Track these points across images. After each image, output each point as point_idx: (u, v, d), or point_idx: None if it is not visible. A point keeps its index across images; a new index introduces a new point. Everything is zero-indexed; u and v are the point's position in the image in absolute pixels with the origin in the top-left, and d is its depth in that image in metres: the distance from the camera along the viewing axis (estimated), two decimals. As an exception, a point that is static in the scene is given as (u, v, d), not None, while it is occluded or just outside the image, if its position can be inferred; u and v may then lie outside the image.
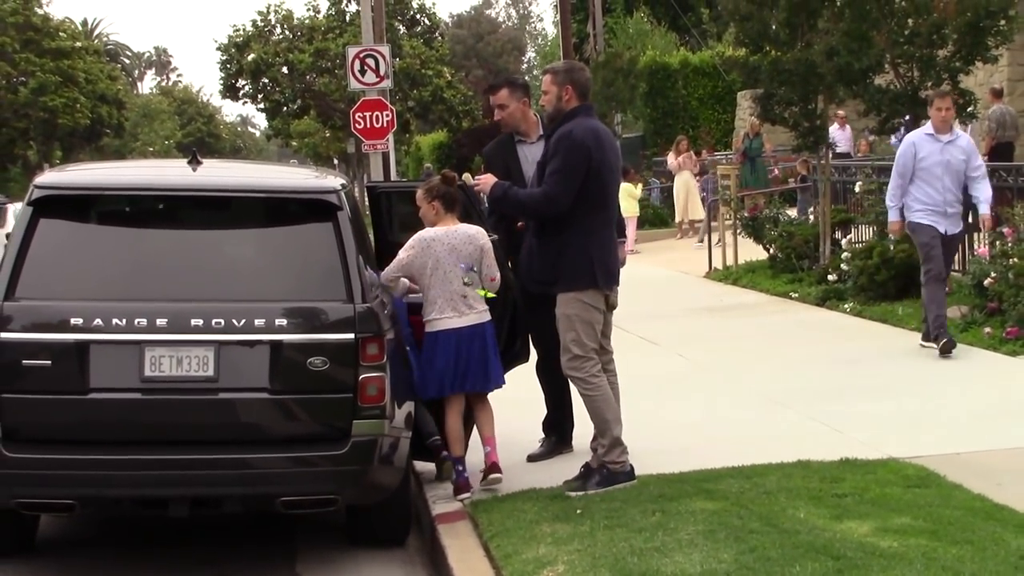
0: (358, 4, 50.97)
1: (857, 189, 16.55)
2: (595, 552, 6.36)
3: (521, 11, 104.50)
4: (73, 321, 6.63)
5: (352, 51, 24.65)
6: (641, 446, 8.01)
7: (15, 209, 29.66)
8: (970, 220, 15.22)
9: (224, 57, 51.35)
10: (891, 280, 14.41)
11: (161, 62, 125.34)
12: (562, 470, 8.13)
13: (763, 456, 8.03)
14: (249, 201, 7.23)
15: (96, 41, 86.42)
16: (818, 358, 12.01)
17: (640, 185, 27.54)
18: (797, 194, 23.46)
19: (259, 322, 6.71)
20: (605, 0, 50.46)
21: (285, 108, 53.28)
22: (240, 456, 6.69)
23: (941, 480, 7.32)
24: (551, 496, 7.55)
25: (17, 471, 6.56)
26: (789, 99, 16.16)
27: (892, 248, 14.64)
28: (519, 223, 8.22)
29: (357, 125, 24.24)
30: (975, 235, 14.86)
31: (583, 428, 8.56)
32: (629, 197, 23.55)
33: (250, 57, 50.46)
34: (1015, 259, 12.12)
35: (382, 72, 24.07)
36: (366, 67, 24.01)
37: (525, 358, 8.61)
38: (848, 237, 16.94)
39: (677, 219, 27.01)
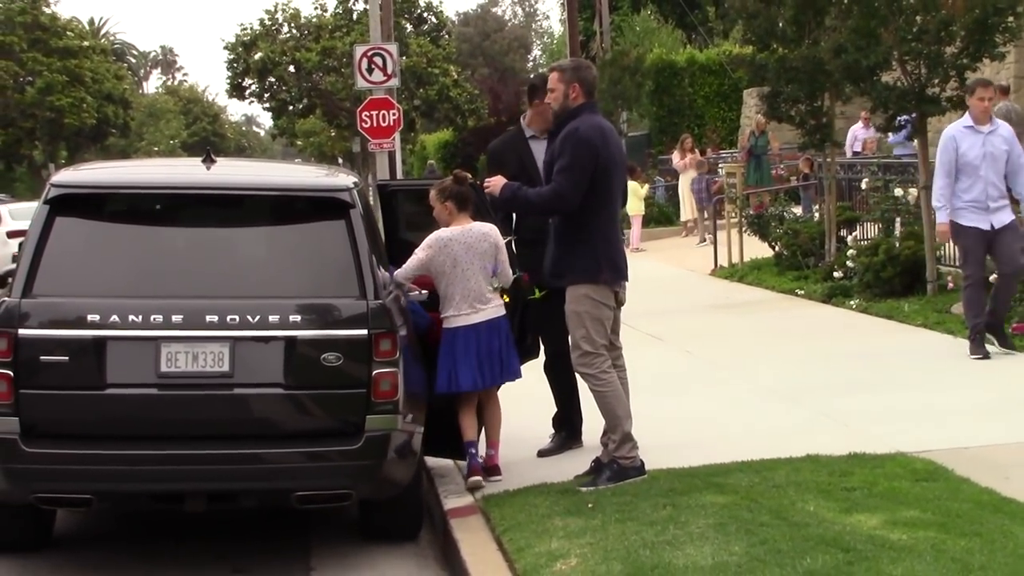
0: (365, 3, 51.13)
1: (864, 186, 16.61)
2: (607, 545, 6.43)
3: (527, 9, 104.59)
4: (90, 317, 6.71)
5: (360, 49, 24.72)
6: (649, 441, 8.07)
7: (9, 210, 29.93)
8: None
9: (231, 56, 51.48)
10: (897, 277, 14.48)
11: (167, 61, 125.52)
12: (572, 465, 8.21)
13: (772, 450, 8.10)
14: (263, 199, 7.31)
15: (103, 40, 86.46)
16: (825, 354, 12.07)
17: (646, 184, 27.61)
18: (800, 192, 23.52)
19: (273, 318, 6.79)
20: (611, -3, 50.55)
21: (291, 107, 53.39)
22: (255, 451, 6.77)
23: (949, 474, 7.38)
24: (562, 491, 7.62)
25: (35, 466, 6.64)
26: (796, 96, 16.24)
27: (898, 245, 14.72)
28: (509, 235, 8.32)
29: (364, 124, 24.29)
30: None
31: (592, 424, 8.65)
32: (635, 196, 23.65)
33: (257, 56, 50.58)
34: (1022, 256, 12.13)
35: (389, 71, 24.15)
36: (373, 65, 24.08)
37: (535, 354, 8.70)
38: (854, 234, 17.01)
39: (682, 218, 27.06)
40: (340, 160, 61.94)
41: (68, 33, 63.35)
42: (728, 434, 8.99)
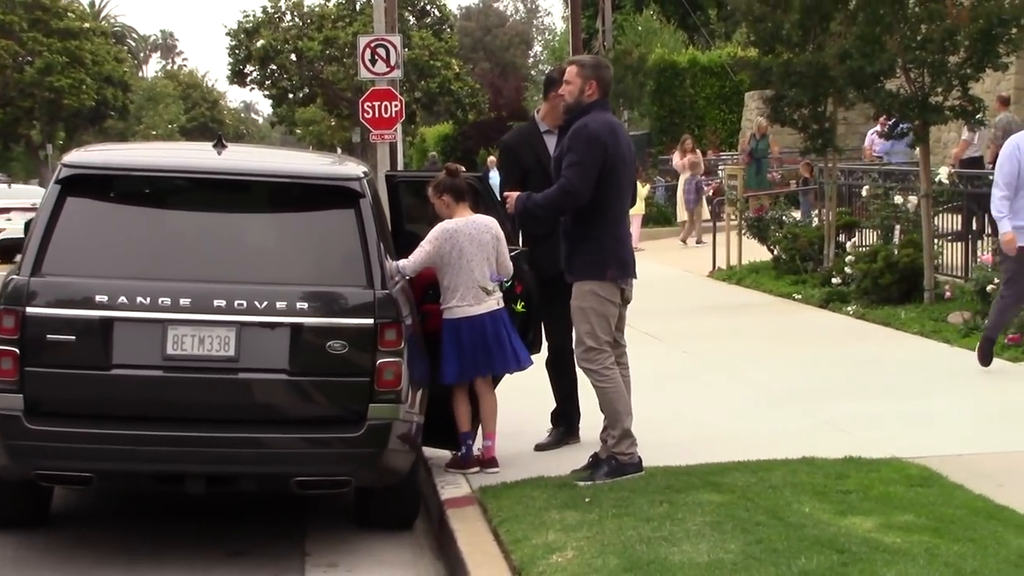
0: (369, -7, 51.28)
1: (864, 193, 16.67)
2: (603, 539, 6.48)
3: (529, 5, 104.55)
4: (98, 298, 6.76)
5: (363, 40, 24.76)
6: (647, 438, 8.12)
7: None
8: (973, 226, 15.41)
9: (233, 42, 51.48)
10: (895, 284, 14.55)
11: (167, 45, 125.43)
12: (569, 460, 8.27)
13: (768, 452, 8.16)
14: (273, 186, 7.36)
15: (103, 23, 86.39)
16: (822, 358, 12.14)
17: (646, 184, 27.67)
18: (800, 196, 23.60)
19: (280, 305, 6.85)
20: (614, -4, 50.60)
21: (291, 96, 53.40)
22: (257, 435, 6.83)
23: (943, 480, 7.45)
24: (559, 484, 7.67)
25: (38, 443, 6.68)
26: (799, 101, 16.29)
27: (896, 252, 14.79)
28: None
29: (366, 114, 24.32)
30: (979, 241, 15.03)
31: (590, 420, 8.72)
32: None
33: (259, 43, 50.61)
34: (1019, 266, 12.19)
35: (393, 62, 24.19)
36: (377, 56, 24.12)
37: (537, 348, 8.75)
38: (852, 240, 17.07)
39: (680, 219, 27.11)
40: (339, 149, 61.99)
41: (69, 14, 63.32)
42: (724, 434, 9.05)
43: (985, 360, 10.89)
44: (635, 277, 8.02)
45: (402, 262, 7.85)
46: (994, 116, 19.19)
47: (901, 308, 14.07)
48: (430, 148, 55.74)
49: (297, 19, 51.98)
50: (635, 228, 25.67)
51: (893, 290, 14.53)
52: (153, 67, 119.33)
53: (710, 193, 26.18)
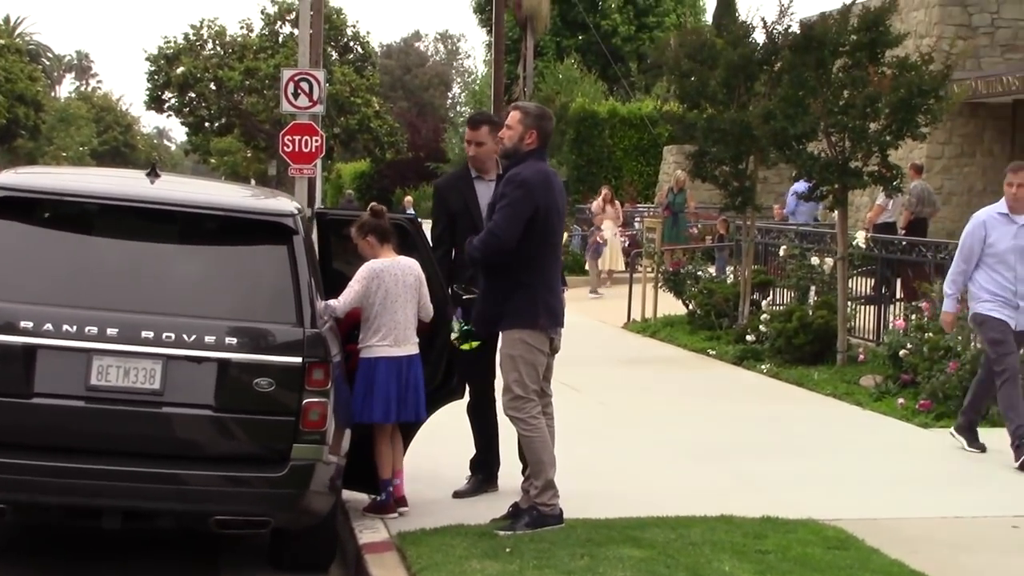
0: (292, 26, 51.15)
1: (781, 253, 16.88)
2: (525, 591, 6.46)
3: (450, 47, 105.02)
4: (22, 324, 6.63)
5: (287, 73, 24.70)
6: (566, 489, 8.07)
7: None
8: (884, 291, 15.67)
9: (152, 68, 51.05)
10: (808, 344, 14.72)
11: (82, 67, 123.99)
12: (488, 508, 8.23)
13: (686, 508, 8.20)
14: (207, 218, 7.27)
15: (18, 40, 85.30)
16: (737, 416, 12.23)
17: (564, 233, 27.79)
18: (715, 252, 23.84)
19: (208, 339, 6.77)
20: (537, 44, 51.01)
21: (208, 124, 53.04)
22: (178, 471, 6.72)
23: (860, 543, 7.53)
24: (479, 533, 7.64)
25: None
26: (721, 158, 16.48)
27: (811, 313, 14.97)
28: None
29: (286, 148, 24.19)
30: (891, 307, 15.28)
31: (507, 467, 8.71)
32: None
33: (179, 70, 50.25)
34: (930, 333, 12.44)
35: (315, 97, 24.15)
36: (300, 90, 24.07)
37: (460, 395, 8.73)
38: (768, 299, 17.26)
39: (599, 267, 27.24)
40: (253, 181, 61.63)
41: (-17, 30, 62.47)
42: (642, 488, 9.08)
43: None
44: (563, 327, 8.04)
45: (332, 302, 7.81)
46: (908, 183, 19.54)
47: (814, 369, 14.24)
48: (346, 185, 55.60)
49: (219, 48, 51.72)
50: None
51: (806, 350, 14.71)
52: (67, 88, 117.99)
53: (626, 244, 26.38)
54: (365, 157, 55.21)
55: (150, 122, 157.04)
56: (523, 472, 8.45)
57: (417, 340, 8.21)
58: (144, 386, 6.70)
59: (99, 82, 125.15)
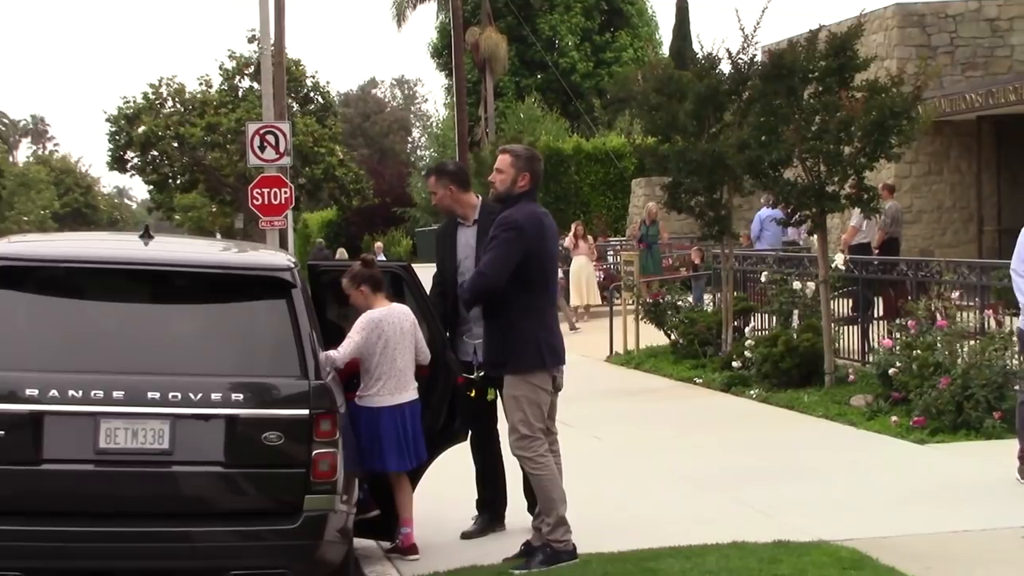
0: (251, 80, 51.20)
1: (763, 279, 16.96)
2: (549, 629, 6.46)
3: (407, 92, 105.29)
4: (28, 392, 6.62)
5: (252, 127, 24.70)
6: (574, 524, 8.10)
7: None
8: (868, 311, 15.76)
9: (113, 128, 50.94)
10: (795, 368, 14.79)
11: (38, 130, 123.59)
12: (498, 548, 8.24)
13: (696, 536, 8.21)
14: (204, 276, 7.28)
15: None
16: (733, 442, 12.26)
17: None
18: (692, 282, 23.92)
19: (215, 396, 6.77)
20: (496, 84, 51.32)
21: (172, 181, 52.95)
22: (192, 529, 6.71)
23: (875, 563, 7.55)
24: (495, 573, 7.65)
25: None
26: (695, 188, 16.58)
27: (796, 336, 15.04)
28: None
29: (255, 201, 24.15)
30: (872, 326, 15.38)
31: (514, 506, 8.72)
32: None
33: (140, 129, 50.13)
34: (919, 351, 12.51)
35: (282, 149, 24.14)
36: (266, 143, 24.08)
37: (464, 437, 8.75)
38: (751, 325, 17.33)
39: (573, 303, 27.29)
40: (218, 235, 61.55)
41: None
42: (650, 519, 9.09)
43: None
44: (564, 364, 8.07)
45: (332, 353, 7.83)
46: (884, 204, 19.71)
47: (803, 392, 14.29)
48: (313, 234, 55.58)
49: (179, 105, 51.65)
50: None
51: (794, 374, 14.77)
52: (24, 152, 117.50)
53: (601, 278, 26.43)
54: (331, 206, 55.20)
55: (110, 182, 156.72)
56: (528, 509, 8.49)
57: (416, 385, 8.26)
58: (153, 446, 6.69)
59: (56, 145, 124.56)
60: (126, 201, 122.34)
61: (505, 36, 50.50)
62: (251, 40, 50.31)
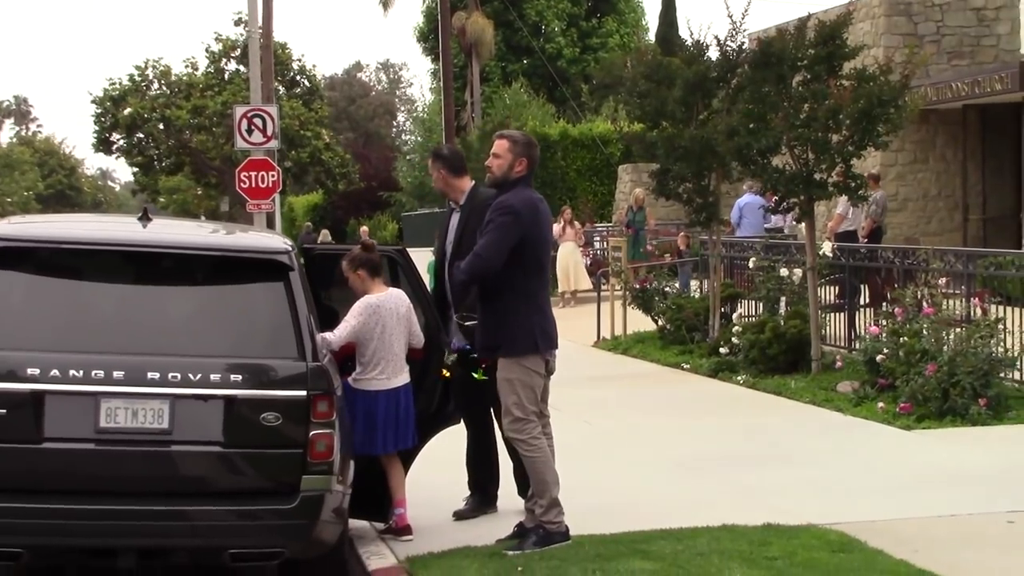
0: (238, 63, 51.14)
1: (751, 265, 17.06)
2: (543, 609, 6.55)
3: (392, 76, 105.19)
4: (29, 371, 6.69)
5: (240, 110, 24.66)
6: (567, 506, 8.19)
7: None
8: (855, 298, 15.88)
9: (99, 110, 50.84)
10: (782, 354, 14.90)
11: (21, 111, 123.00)
12: (491, 529, 8.33)
13: (687, 519, 8.31)
14: (202, 259, 7.36)
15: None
16: (721, 427, 12.38)
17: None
18: (678, 268, 24.01)
19: (214, 377, 6.85)
20: (483, 69, 51.29)
21: (158, 164, 52.88)
22: (191, 508, 6.79)
23: (863, 546, 7.66)
24: (488, 554, 7.72)
25: None
26: (684, 175, 16.65)
27: (784, 323, 15.15)
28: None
29: (242, 184, 24.13)
30: (858, 313, 15.50)
31: (505, 488, 8.80)
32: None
33: (126, 111, 50.04)
34: (905, 338, 12.63)
35: (270, 132, 24.14)
36: (253, 127, 24.05)
37: (456, 420, 8.83)
38: (738, 312, 17.44)
39: (560, 289, 27.38)
40: (203, 217, 61.48)
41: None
42: (641, 502, 9.19)
43: None
44: (557, 348, 8.16)
45: (328, 335, 7.90)
46: (871, 192, 19.83)
47: (790, 378, 14.41)
48: (299, 218, 55.55)
49: (165, 87, 51.56)
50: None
51: (781, 360, 14.88)
52: (7, 133, 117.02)
53: (588, 263, 26.50)
54: (317, 190, 55.16)
55: (93, 164, 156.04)
56: (519, 492, 8.59)
57: (408, 368, 8.35)
58: (153, 426, 6.76)
59: (39, 126, 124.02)
60: (109, 183, 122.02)
61: (491, 21, 50.43)
62: (237, 23, 50.25)
